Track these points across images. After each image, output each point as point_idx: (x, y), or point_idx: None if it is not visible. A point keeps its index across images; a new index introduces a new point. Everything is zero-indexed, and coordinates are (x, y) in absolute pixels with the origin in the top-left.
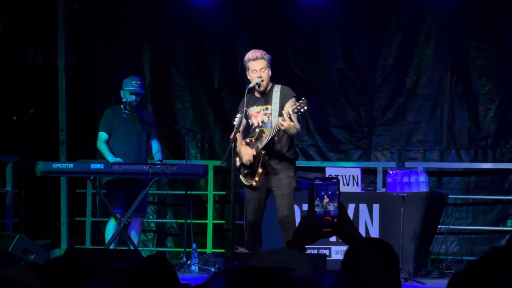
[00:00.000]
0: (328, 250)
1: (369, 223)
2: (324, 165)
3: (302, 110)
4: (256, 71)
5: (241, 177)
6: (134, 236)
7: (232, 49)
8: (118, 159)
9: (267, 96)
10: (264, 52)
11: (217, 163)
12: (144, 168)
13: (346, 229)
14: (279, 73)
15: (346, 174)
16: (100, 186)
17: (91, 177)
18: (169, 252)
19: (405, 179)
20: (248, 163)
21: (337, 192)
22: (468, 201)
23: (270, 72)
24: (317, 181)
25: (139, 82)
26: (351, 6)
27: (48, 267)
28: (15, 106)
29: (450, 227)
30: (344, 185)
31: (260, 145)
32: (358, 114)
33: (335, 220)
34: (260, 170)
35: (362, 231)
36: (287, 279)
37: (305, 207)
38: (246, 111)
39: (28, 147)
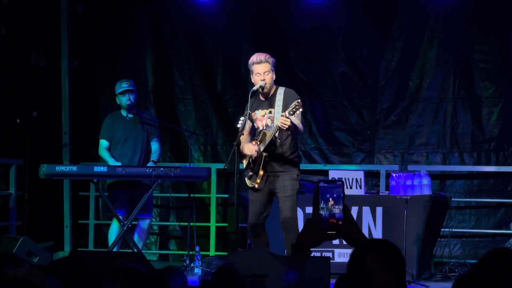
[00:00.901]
0: (331, 253)
1: (372, 226)
2: (327, 168)
3: (297, 111)
4: (260, 74)
5: (246, 179)
6: (138, 239)
7: (235, 52)
8: (119, 163)
9: (271, 99)
10: (268, 55)
11: (220, 166)
12: (147, 171)
13: (351, 231)
14: (282, 76)
15: (349, 177)
16: (103, 189)
17: (95, 180)
18: (172, 255)
19: (408, 182)
20: (253, 157)
21: (342, 195)
22: (471, 204)
23: (274, 76)
24: (322, 184)
25: (128, 82)
26: (354, 9)
27: (51, 269)
28: (18, 109)
29: (453, 230)
30: (347, 188)
31: (262, 147)
32: (361, 117)
33: (340, 222)
34: (261, 172)
35: (365, 234)
36: None
37: (308, 210)
38: (250, 114)
39: (31, 149)
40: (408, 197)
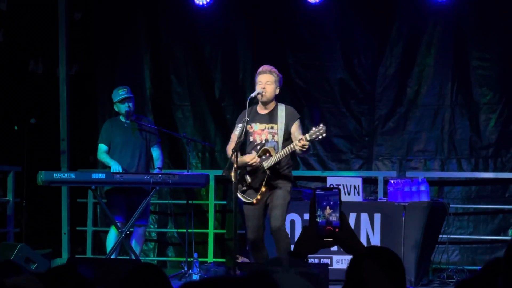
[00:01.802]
0: (329, 260)
1: (370, 233)
2: (325, 175)
3: (320, 137)
4: (262, 83)
5: (239, 194)
6: (136, 245)
7: (233, 59)
8: (119, 167)
9: (271, 114)
10: (274, 69)
11: (218, 172)
12: (145, 177)
13: (347, 238)
14: None
15: (347, 183)
16: (101, 196)
17: (93, 187)
18: (170, 262)
19: (406, 189)
20: (255, 167)
21: (339, 202)
22: (469, 210)
23: (277, 91)
24: (318, 191)
25: (125, 89)
26: (352, 16)
27: (48, 276)
28: (16, 116)
29: (451, 236)
30: (345, 194)
31: (266, 165)
32: (359, 124)
33: (337, 230)
34: (263, 189)
35: (363, 240)
36: None
37: (306, 216)
38: (248, 121)
39: (29, 156)
40: (406, 204)
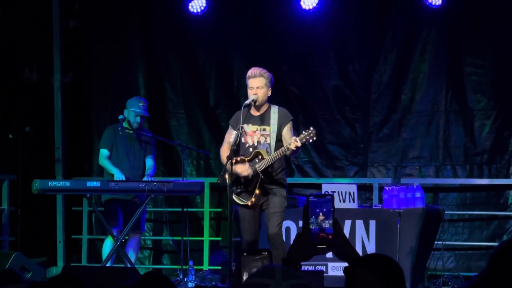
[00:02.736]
0: (324, 267)
1: (365, 240)
2: (320, 182)
3: (311, 140)
4: (253, 88)
5: (234, 196)
6: (131, 253)
7: (227, 66)
8: (123, 176)
9: (264, 116)
10: (264, 70)
11: (213, 180)
12: (140, 185)
13: (341, 245)
14: (274, 90)
15: (342, 190)
16: (96, 204)
17: (88, 195)
18: (166, 270)
19: (401, 195)
20: (248, 177)
21: (332, 209)
22: (464, 217)
23: (269, 92)
24: (311, 198)
25: (145, 105)
26: (346, 22)
27: (46, 286)
28: (11, 124)
29: (446, 243)
30: (340, 201)
31: (259, 168)
32: (353, 131)
33: (330, 236)
34: (257, 191)
35: (358, 247)
36: None
37: (301, 223)
38: (242, 128)
39: (24, 165)
40: (401, 210)
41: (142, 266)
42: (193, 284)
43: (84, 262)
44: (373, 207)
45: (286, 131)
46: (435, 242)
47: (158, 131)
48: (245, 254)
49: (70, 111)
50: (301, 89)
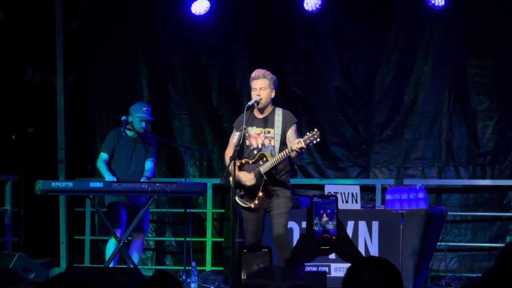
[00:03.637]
0: (327, 268)
1: (368, 241)
2: (323, 183)
3: (314, 141)
4: (256, 89)
5: (236, 198)
6: (135, 255)
7: (230, 68)
8: (113, 178)
9: (268, 118)
10: (267, 72)
11: (216, 181)
12: (143, 186)
13: (344, 246)
14: (277, 91)
15: (345, 191)
16: (99, 205)
17: (90, 196)
18: (168, 270)
19: (404, 196)
20: (252, 187)
21: (336, 210)
22: (467, 217)
23: (273, 94)
24: (315, 199)
25: (148, 109)
26: (349, 24)
27: (48, 285)
28: (14, 125)
29: (449, 244)
30: (343, 202)
31: (263, 170)
32: (356, 132)
33: (334, 237)
34: (260, 194)
35: (361, 248)
36: None
37: (304, 224)
38: (245, 129)
39: (27, 166)
40: (404, 211)
41: (145, 267)
42: (196, 285)
43: (86, 263)
44: (376, 208)
45: (291, 133)
46: (438, 243)
47: (161, 132)
48: (245, 251)
49: (73, 112)
50: (304, 90)
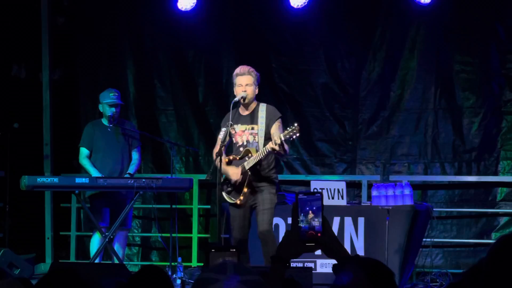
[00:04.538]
0: (313, 264)
1: (354, 237)
2: (309, 179)
3: (294, 136)
4: (242, 85)
5: (224, 194)
6: (118, 249)
7: (216, 63)
8: (100, 175)
9: (253, 115)
10: (252, 69)
11: (202, 177)
12: (129, 182)
13: (329, 243)
14: (264, 87)
15: (331, 187)
16: (85, 200)
17: (76, 191)
18: None
19: (390, 192)
20: (237, 183)
21: (321, 207)
22: (452, 214)
23: (257, 90)
24: (301, 196)
25: (116, 94)
26: (335, 20)
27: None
28: None
29: (435, 240)
30: (329, 198)
31: (247, 166)
32: (342, 128)
33: (319, 234)
34: (245, 190)
35: (347, 244)
36: None
37: (290, 220)
38: (232, 124)
39: (12, 161)
40: (390, 207)
41: (131, 263)
42: (181, 281)
43: (72, 259)
44: (362, 204)
45: (275, 128)
46: (424, 239)
47: (147, 128)
48: (213, 250)
49: (59, 108)
50: (290, 86)
